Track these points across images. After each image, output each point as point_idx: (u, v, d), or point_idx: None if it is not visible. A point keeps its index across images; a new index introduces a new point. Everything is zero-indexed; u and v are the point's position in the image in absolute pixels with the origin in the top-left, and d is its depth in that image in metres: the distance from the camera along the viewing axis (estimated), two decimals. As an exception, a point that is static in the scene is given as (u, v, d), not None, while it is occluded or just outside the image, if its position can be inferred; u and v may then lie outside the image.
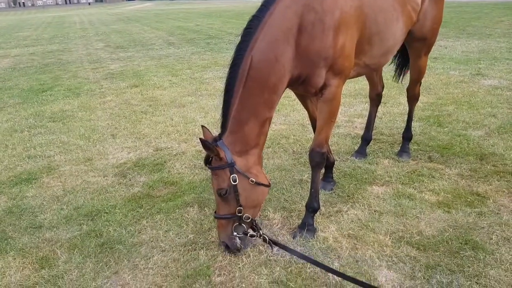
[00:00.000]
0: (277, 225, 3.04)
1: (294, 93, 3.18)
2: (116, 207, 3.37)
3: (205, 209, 3.28)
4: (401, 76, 4.23)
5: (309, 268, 2.54)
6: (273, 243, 2.65)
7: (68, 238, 2.99)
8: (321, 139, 2.79)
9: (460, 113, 5.20)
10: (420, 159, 4.00)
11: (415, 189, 3.44)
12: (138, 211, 3.30)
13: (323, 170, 3.31)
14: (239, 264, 2.61)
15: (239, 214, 2.55)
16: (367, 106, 5.36)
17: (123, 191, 3.67)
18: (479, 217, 3.00)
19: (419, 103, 4.56)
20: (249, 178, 2.51)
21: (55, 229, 3.11)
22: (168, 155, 4.41)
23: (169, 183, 3.76)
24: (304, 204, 3.04)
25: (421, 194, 3.35)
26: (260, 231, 2.67)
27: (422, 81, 4.03)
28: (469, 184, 3.47)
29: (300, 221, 2.99)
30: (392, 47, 3.12)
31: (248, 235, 2.63)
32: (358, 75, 3.19)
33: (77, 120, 5.78)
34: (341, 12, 2.50)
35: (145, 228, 3.06)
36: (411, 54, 3.74)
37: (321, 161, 2.85)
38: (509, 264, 2.50)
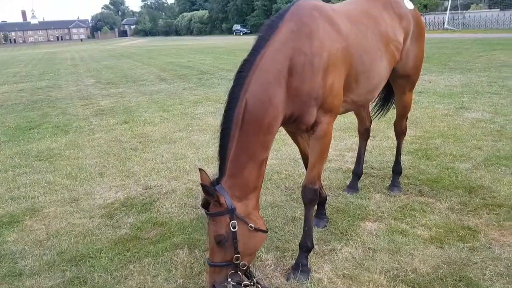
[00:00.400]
0: (270, 266, 2.96)
1: (285, 129, 3.21)
2: (102, 251, 3.26)
3: (195, 251, 3.19)
4: (380, 113, 4.32)
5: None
6: None
7: (50, 286, 2.85)
8: (314, 176, 2.80)
9: (447, 146, 5.26)
10: (411, 193, 4.00)
11: (407, 224, 3.41)
12: (125, 255, 3.19)
13: (316, 207, 3.28)
14: (231, 310, 2.51)
15: (236, 262, 2.42)
16: (357, 140, 5.38)
17: (109, 233, 3.57)
18: (472, 252, 2.98)
19: (407, 137, 4.61)
20: (248, 224, 2.43)
21: (36, 276, 2.97)
22: (158, 194, 4.33)
23: (158, 224, 3.67)
24: (298, 243, 2.99)
25: (414, 229, 3.33)
26: (254, 279, 2.57)
27: (408, 115, 4.10)
28: (460, 218, 3.47)
29: (294, 261, 2.92)
30: (377, 84, 3.22)
31: (242, 284, 2.47)
32: (347, 111, 3.29)
33: (64, 158, 5.69)
34: (329, 54, 2.59)
35: (132, 274, 2.95)
36: (396, 91, 3.84)
37: (314, 198, 2.84)
38: (505, 302, 2.45)
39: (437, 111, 7.09)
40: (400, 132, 4.10)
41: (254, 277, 2.61)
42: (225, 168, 2.42)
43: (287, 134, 3.51)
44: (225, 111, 2.44)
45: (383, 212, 3.64)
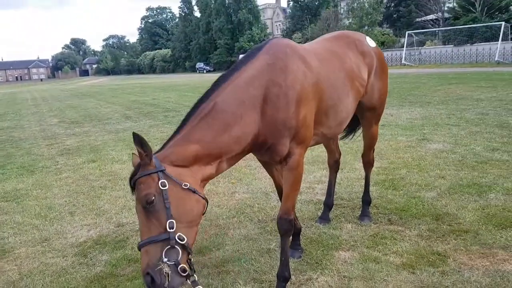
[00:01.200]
0: (249, 297, 2.97)
1: (260, 161, 3.31)
2: (78, 290, 3.16)
3: (174, 285, 3.15)
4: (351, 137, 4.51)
5: None
6: None
7: (24, 328, 2.73)
8: (288, 206, 2.88)
9: (412, 176, 5.49)
10: (381, 222, 4.14)
11: (379, 252, 3.51)
12: (101, 293, 3.12)
13: (291, 238, 3.36)
14: None
15: (171, 230, 2.14)
16: (325, 172, 5.57)
17: (84, 271, 3.47)
18: (442, 276, 3.09)
19: (373, 168, 4.81)
20: (181, 184, 2.23)
21: (9, 319, 2.84)
22: (131, 231, 4.27)
23: (133, 260, 3.61)
24: (274, 274, 3.03)
25: (386, 256, 3.43)
26: (194, 274, 2.24)
27: (374, 148, 4.31)
28: (429, 244, 3.60)
29: (272, 292, 2.94)
30: (345, 118, 3.42)
31: (179, 267, 2.13)
32: (317, 143, 3.42)
33: (32, 198, 5.51)
34: (302, 88, 2.75)
35: (110, 312, 2.88)
36: (363, 124, 4.05)
37: (290, 228, 2.91)
38: (476, 324, 2.55)
39: (400, 143, 7.39)
40: (368, 164, 4.29)
41: (195, 271, 2.28)
42: (168, 144, 2.36)
43: (257, 168, 3.62)
44: (193, 105, 2.49)
45: (355, 241, 3.74)
